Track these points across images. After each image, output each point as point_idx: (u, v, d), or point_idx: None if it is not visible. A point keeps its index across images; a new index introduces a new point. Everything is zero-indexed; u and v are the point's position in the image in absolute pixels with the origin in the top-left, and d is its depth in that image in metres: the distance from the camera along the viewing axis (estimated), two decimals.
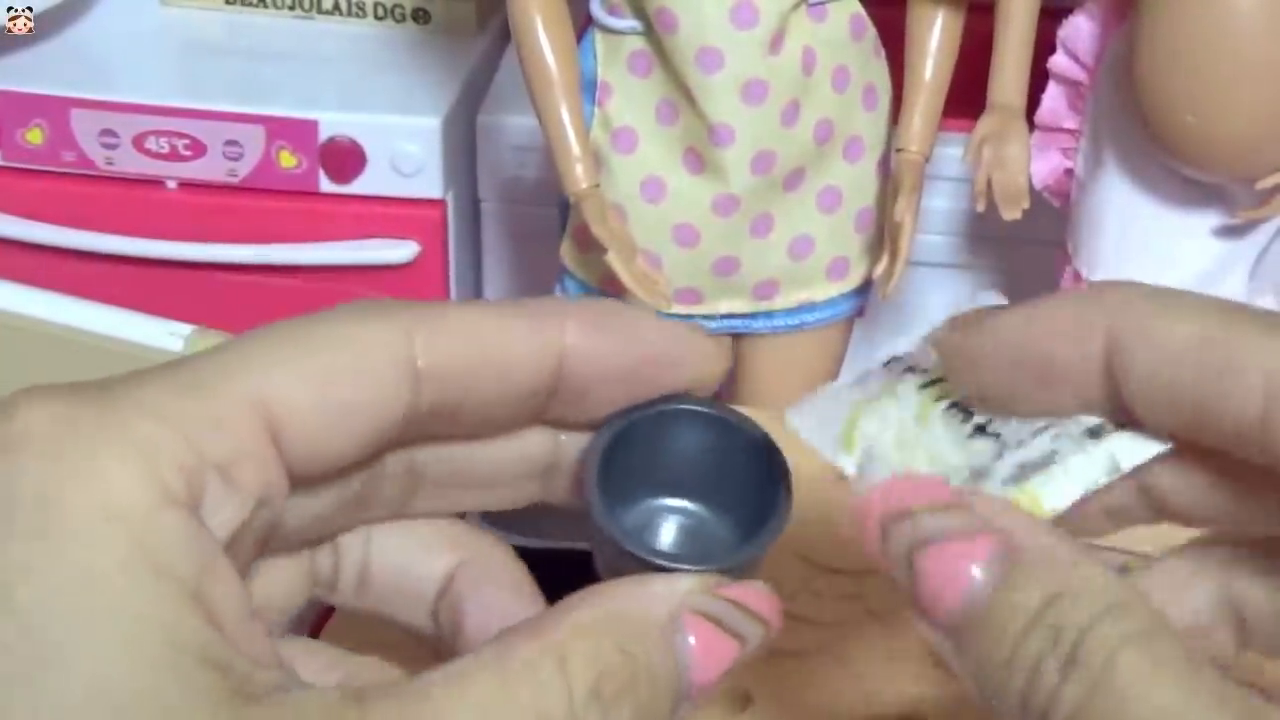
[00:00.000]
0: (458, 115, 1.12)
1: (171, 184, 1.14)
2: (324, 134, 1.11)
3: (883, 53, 0.92)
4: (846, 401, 0.41)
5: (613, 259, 0.87)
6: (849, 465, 0.39)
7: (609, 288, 0.89)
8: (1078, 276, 0.92)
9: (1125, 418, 0.37)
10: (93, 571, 0.32)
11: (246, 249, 1.14)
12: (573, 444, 0.40)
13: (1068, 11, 0.93)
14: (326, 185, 1.12)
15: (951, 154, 0.95)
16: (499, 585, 0.40)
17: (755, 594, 0.38)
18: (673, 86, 0.87)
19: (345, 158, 1.12)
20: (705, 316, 0.92)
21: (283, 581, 0.40)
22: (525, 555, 0.42)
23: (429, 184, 1.12)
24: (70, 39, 1.19)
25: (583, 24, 0.90)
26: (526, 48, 0.87)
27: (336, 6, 1.20)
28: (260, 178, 1.13)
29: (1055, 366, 0.37)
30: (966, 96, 0.92)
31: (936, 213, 1.06)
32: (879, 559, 0.37)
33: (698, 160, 0.88)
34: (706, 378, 0.40)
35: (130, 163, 1.13)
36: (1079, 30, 0.92)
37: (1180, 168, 0.87)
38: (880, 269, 0.90)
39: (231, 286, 1.14)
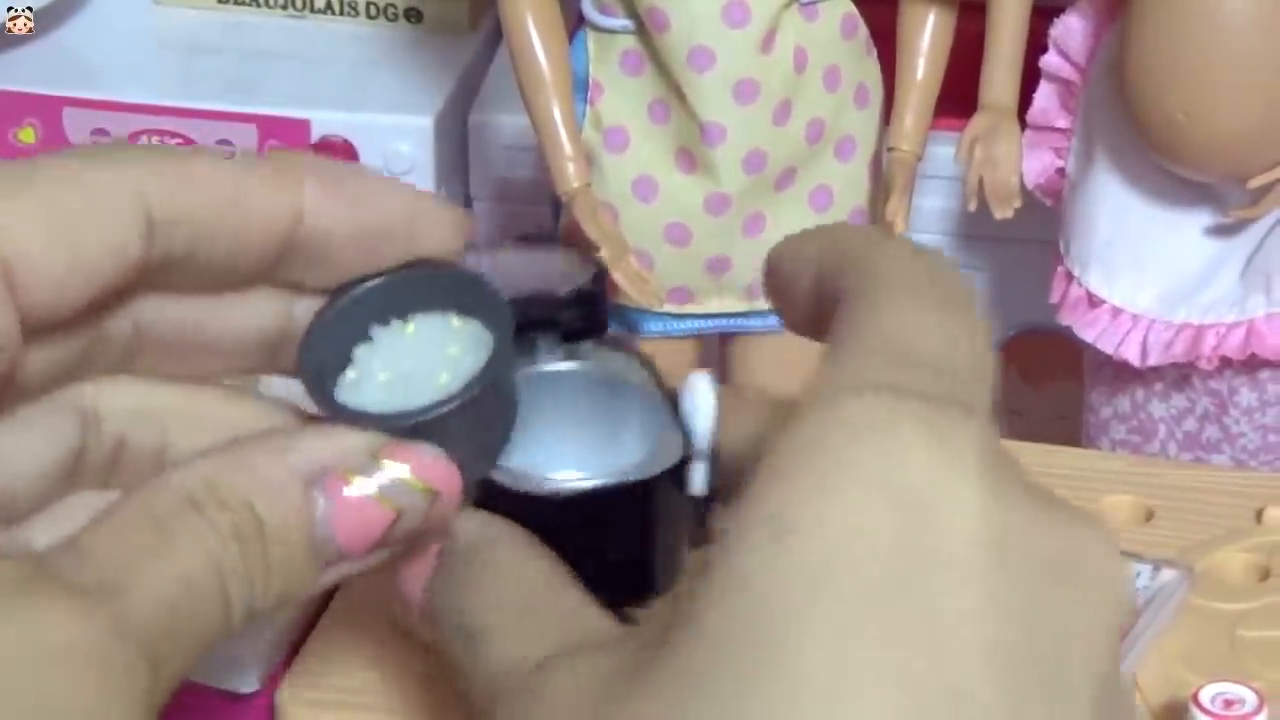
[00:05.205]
0: (450, 114, 1.12)
1: None
2: (316, 133, 1.11)
3: (874, 52, 0.92)
4: None
5: (604, 258, 0.87)
6: None
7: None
8: (1069, 275, 0.92)
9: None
10: None
11: None
12: (306, 316, 0.39)
13: (1059, 10, 0.93)
14: None
15: (943, 153, 0.95)
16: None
17: (419, 459, 0.36)
18: (664, 86, 0.88)
19: (337, 156, 1.11)
20: (697, 315, 0.93)
21: (27, 449, 0.39)
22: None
23: (421, 183, 1.11)
24: (62, 38, 1.19)
25: (574, 23, 0.90)
26: (518, 46, 0.87)
27: (329, 5, 1.20)
28: None
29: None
30: (958, 96, 0.92)
31: (928, 212, 1.06)
32: None
33: (689, 159, 0.88)
34: (446, 248, 0.39)
35: None
36: (1071, 29, 0.92)
37: (1172, 167, 0.87)
38: None
39: None
